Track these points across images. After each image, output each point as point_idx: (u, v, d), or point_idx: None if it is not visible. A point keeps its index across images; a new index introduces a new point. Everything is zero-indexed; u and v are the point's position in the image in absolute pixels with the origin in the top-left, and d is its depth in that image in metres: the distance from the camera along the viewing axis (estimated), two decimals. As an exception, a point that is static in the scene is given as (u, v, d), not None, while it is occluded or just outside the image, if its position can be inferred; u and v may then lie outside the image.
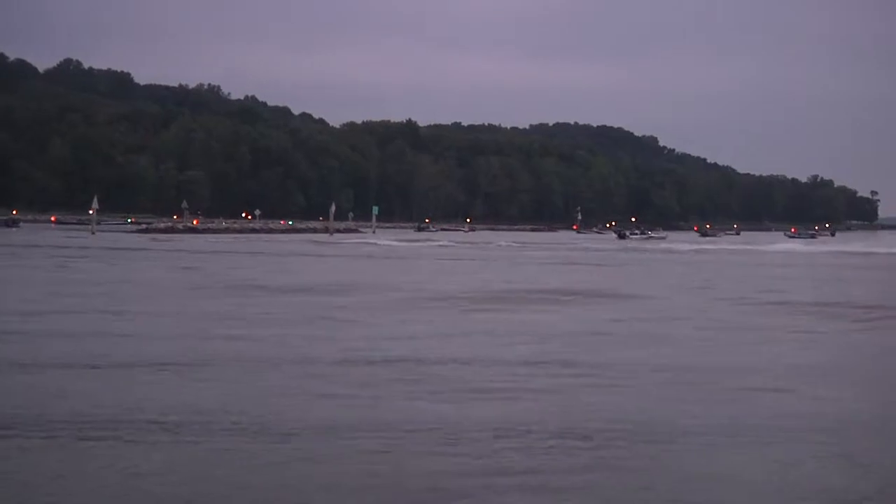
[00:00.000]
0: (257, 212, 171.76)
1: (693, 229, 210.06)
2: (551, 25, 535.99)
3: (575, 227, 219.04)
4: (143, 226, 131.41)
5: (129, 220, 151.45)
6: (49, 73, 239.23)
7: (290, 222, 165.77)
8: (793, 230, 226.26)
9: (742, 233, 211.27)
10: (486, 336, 22.20)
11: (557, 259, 70.15)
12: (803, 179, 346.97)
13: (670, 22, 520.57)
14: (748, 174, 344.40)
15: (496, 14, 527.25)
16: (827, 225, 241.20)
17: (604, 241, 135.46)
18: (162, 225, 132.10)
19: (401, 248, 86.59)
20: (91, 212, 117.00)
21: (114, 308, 26.43)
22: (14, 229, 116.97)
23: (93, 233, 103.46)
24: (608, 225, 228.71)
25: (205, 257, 60.36)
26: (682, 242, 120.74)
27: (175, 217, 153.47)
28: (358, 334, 21.98)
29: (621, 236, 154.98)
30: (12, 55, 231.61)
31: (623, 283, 42.88)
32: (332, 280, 40.93)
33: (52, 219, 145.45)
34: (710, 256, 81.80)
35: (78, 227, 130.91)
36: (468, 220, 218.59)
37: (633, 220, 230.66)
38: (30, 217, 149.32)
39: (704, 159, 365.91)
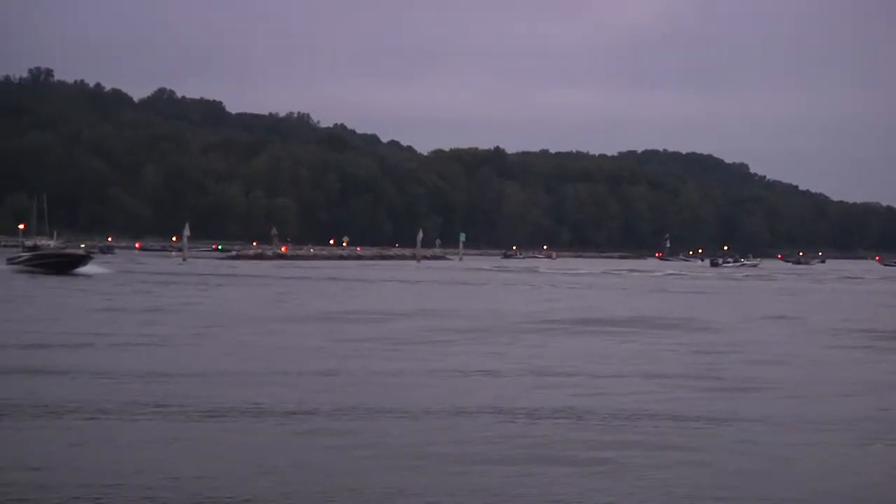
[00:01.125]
0: (345, 239, 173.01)
1: (777, 257, 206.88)
2: (641, 53, 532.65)
3: (658, 254, 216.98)
4: (233, 252, 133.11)
5: (219, 247, 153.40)
6: (143, 102, 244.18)
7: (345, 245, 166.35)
8: (877, 258, 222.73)
9: (828, 261, 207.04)
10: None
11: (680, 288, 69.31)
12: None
13: (762, 48, 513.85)
14: (841, 202, 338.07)
15: (586, 44, 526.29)
16: None
17: (694, 269, 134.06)
18: (251, 252, 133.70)
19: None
20: (181, 238, 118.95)
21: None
22: (110, 255, 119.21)
23: (184, 259, 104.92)
24: (690, 252, 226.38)
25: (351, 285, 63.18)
26: (780, 272, 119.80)
27: (254, 243, 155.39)
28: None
29: (714, 264, 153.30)
30: (108, 85, 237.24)
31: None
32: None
33: (137, 245, 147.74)
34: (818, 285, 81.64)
35: (160, 252, 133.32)
36: (545, 246, 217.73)
37: (726, 248, 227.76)
38: (123, 244, 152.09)
39: (796, 186, 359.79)
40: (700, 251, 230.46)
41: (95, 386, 18.45)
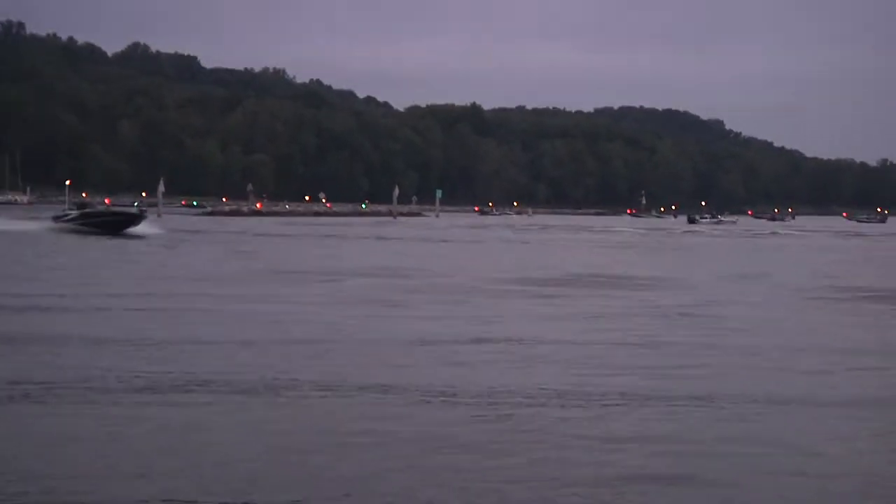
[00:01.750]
0: (322, 195, 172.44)
1: (748, 213, 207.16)
2: (618, 10, 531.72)
3: (630, 210, 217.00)
4: (209, 209, 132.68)
5: (194, 203, 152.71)
6: (117, 56, 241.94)
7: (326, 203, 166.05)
8: (844, 214, 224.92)
9: (798, 217, 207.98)
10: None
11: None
12: (873, 163, 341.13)
13: (739, 5, 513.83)
14: (815, 158, 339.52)
15: (562, 2, 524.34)
16: (884, 210, 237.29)
17: (666, 226, 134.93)
18: (227, 208, 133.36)
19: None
20: (157, 195, 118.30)
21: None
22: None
23: (159, 216, 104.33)
24: (662, 209, 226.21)
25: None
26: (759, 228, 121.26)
27: (224, 199, 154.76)
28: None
29: (691, 220, 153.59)
30: (81, 39, 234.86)
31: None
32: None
33: (107, 201, 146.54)
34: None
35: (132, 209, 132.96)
36: (515, 203, 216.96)
37: (703, 204, 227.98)
38: (98, 200, 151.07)
39: (771, 143, 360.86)
40: (673, 208, 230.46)
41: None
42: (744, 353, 19.00)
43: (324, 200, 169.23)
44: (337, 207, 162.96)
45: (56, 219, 64.96)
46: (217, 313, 23.00)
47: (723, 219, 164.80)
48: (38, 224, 64.59)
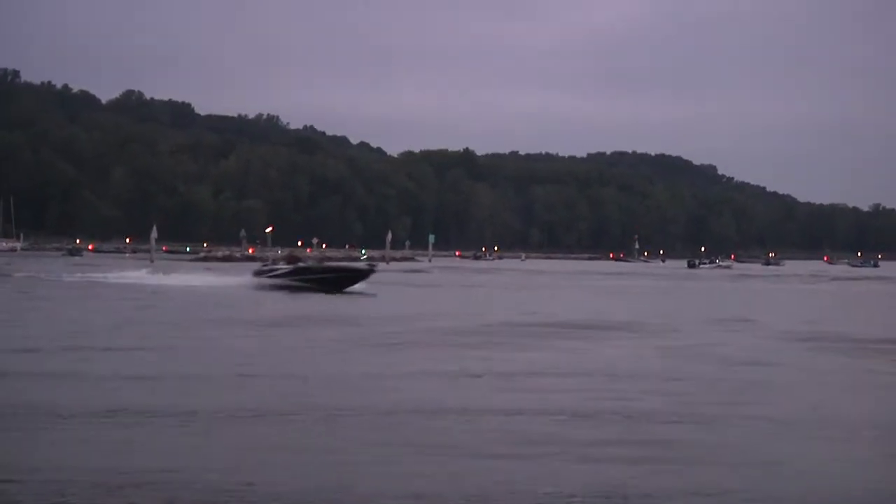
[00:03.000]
0: (315, 240, 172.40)
1: (730, 258, 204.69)
2: (609, 56, 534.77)
3: (612, 255, 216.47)
4: (202, 254, 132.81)
5: (187, 249, 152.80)
6: (112, 103, 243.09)
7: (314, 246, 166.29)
8: (825, 259, 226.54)
9: (786, 262, 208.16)
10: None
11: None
12: (865, 208, 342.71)
13: (730, 51, 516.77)
14: (808, 203, 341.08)
15: (553, 47, 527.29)
16: (879, 256, 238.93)
17: (663, 270, 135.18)
18: (220, 254, 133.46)
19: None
20: (150, 241, 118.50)
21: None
22: (77, 258, 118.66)
23: (152, 261, 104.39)
24: (646, 253, 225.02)
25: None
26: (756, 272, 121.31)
27: (205, 244, 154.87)
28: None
29: (691, 265, 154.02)
30: (76, 87, 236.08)
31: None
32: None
33: (90, 247, 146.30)
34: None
35: (115, 254, 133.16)
36: (496, 247, 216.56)
37: (703, 249, 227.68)
38: (105, 246, 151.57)
39: (764, 188, 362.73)
40: (661, 252, 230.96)
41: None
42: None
43: (318, 243, 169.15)
44: (330, 253, 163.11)
45: (259, 273, 57.05)
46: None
47: (720, 263, 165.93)
48: (236, 279, 57.85)
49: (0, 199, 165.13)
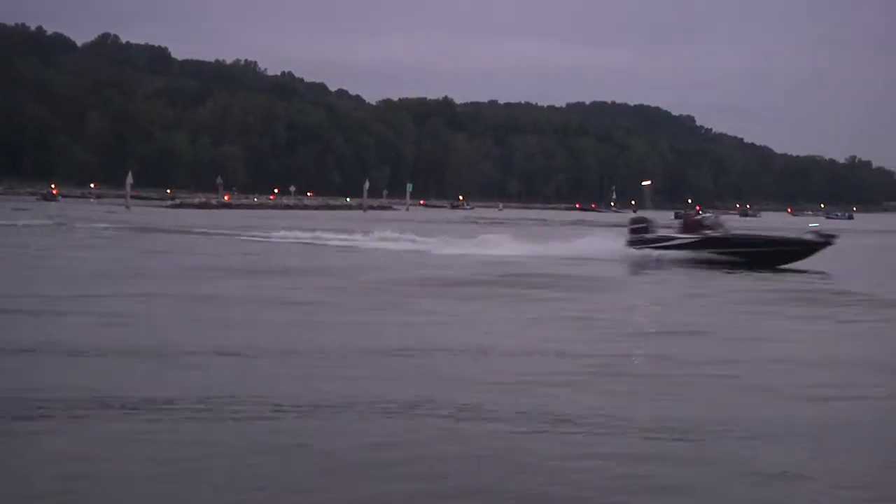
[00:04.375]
0: (292, 188, 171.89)
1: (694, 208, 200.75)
2: (588, 7, 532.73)
3: (578, 206, 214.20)
4: (178, 201, 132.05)
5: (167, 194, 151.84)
6: (87, 47, 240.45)
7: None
8: (789, 210, 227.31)
9: (763, 213, 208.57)
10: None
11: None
12: (841, 160, 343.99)
13: (710, 4, 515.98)
14: (785, 154, 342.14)
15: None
16: (854, 209, 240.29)
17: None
18: (196, 201, 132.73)
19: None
20: (125, 186, 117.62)
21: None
22: (54, 203, 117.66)
23: (128, 208, 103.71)
24: (612, 203, 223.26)
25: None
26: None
27: (168, 191, 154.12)
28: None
29: (679, 216, 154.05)
30: (50, 29, 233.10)
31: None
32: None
33: (54, 192, 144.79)
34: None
35: (80, 199, 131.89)
36: (460, 197, 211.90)
37: (689, 201, 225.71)
38: (64, 192, 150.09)
39: (741, 139, 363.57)
40: (632, 203, 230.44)
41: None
42: None
43: (295, 191, 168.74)
44: (307, 201, 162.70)
45: (638, 243, 42.00)
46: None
47: (706, 215, 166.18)
48: (594, 246, 42.50)
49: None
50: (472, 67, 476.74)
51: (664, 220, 54.65)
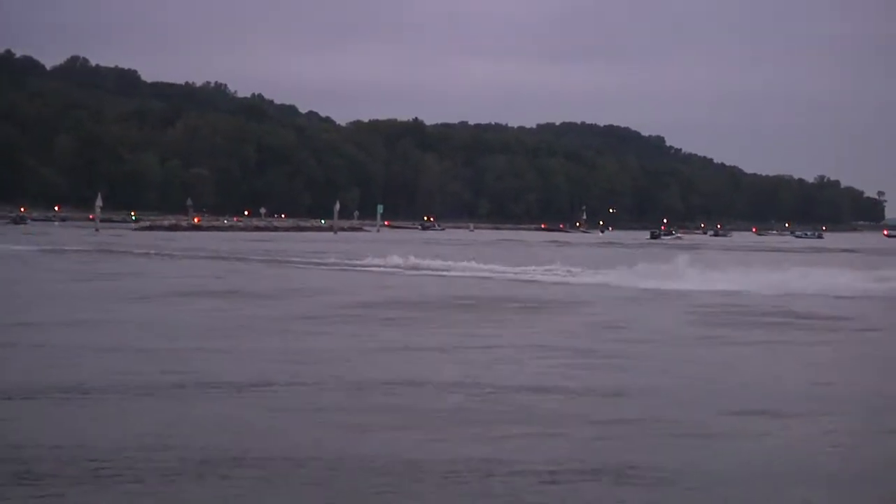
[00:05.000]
0: (262, 210, 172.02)
1: (661, 228, 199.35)
2: (558, 27, 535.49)
3: (544, 226, 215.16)
4: (147, 223, 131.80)
5: (133, 217, 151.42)
6: (56, 70, 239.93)
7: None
8: (754, 229, 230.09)
9: (733, 233, 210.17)
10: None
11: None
12: (810, 180, 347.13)
13: (677, 24, 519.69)
14: (755, 174, 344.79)
15: (503, 17, 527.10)
16: (824, 228, 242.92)
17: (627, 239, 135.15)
18: (166, 223, 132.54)
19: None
20: (95, 209, 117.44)
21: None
22: (22, 226, 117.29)
23: (97, 230, 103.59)
24: (577, 224, 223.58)
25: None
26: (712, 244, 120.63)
27: (89, 217, 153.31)
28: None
29: (655, 236, 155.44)
30: (19, 52, 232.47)
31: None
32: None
33: (22, 209, 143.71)
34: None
35: (44, 222, 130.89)
36: (428, 217, 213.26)
37: (666, 221, 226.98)
38: (35, 214, 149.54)
39: (711, 159, 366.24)
40: (600, 223, 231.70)
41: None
42: None
43: (265, 213, 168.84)
44: (278, 222, 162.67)
45: None
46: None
47: (678, 235, 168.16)
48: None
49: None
50: (442, 89, 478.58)
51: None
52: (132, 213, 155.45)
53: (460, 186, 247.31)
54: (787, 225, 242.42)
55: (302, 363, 16.32)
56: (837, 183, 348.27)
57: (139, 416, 12.04)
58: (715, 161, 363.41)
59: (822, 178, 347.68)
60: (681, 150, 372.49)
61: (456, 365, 16.54)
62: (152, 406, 12.66)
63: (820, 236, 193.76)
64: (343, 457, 10.24)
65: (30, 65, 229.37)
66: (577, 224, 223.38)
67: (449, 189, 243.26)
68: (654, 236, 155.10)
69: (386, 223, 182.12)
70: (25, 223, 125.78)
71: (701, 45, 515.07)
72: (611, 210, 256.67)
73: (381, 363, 16.65)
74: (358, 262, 49.76)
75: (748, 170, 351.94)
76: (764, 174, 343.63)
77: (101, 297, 28.20)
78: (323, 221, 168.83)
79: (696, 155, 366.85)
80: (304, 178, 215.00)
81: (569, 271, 44.79)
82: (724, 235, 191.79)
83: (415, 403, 13.21)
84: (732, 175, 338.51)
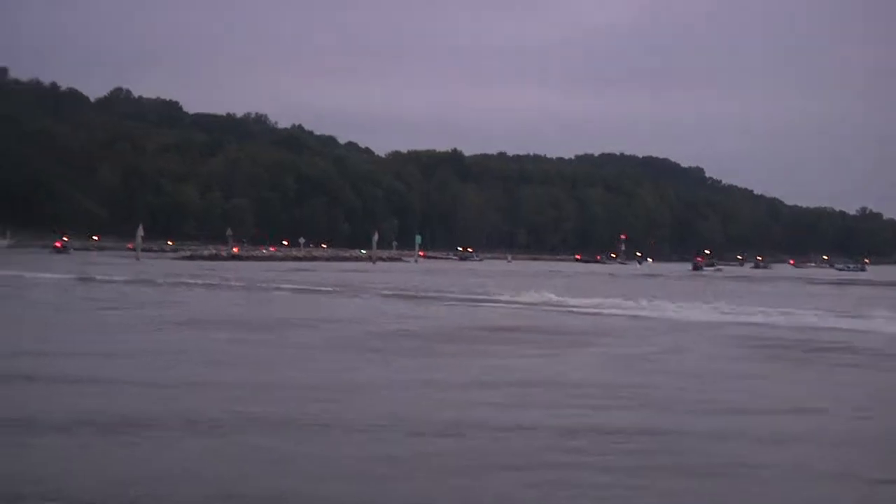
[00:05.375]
0: (301, 239, 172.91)
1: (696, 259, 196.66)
2: (599, 58, 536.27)
3: (578, 256, 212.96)
4: (188, 253, 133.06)
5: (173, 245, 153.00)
6: (100, 102, 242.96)
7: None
8: (791, 262, 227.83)
9: (773, 265, 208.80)
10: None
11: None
12: (851, 212, 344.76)
13: (718, 55, 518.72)
14: (795, 206, 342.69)
15: (544, 47, 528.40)
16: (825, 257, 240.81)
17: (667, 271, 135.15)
18: (206, 253, 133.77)
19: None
20: (136, 238, 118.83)
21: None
22: (65, 255, 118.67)
23: (137, 259, 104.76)
24: (613, 255, 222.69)
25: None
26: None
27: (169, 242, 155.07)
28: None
29: (696, 268, 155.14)
30: (64, 84, 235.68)
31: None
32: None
33: (57, 244, 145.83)
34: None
35: (81, 251, 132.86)
36: (466, 248, 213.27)
37: (708, 252, 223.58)
38: (78, 244, 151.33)
39: (751, 191, 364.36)
40: (638, 254, 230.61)
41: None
42: None
43: (304, 243, 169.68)
44: (317, 252, 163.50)
45: None
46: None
47: (720, 267, 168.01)
48: None
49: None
50: (481, 119, 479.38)
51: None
52: (169, 242, 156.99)
53: (498, 216, 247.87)
54: (824, 257, 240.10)
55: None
56: (880, 215, 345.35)
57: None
58: (755, 192, 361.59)
59: (864, 209, 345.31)
60: (720, 181, 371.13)
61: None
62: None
63: (863, 269, 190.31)
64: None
65: (74, 97, 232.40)
66: (613, 255, 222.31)
67: (487, 219, 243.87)
68: (696, 268, 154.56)
69: (421, 253, 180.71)
70: (68, 252, 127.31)
71: (740, 76, 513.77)
72: (650, 241, 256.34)
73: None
74: (499, 298, 45.75)
75: (788, 202, 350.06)
76: (804, 206, 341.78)
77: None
78: (363, 251, 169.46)
79: (735, 186, 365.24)
80: (343, 208, 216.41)
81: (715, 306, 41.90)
82: (764, 267, 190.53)
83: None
84: (773, 207, 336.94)
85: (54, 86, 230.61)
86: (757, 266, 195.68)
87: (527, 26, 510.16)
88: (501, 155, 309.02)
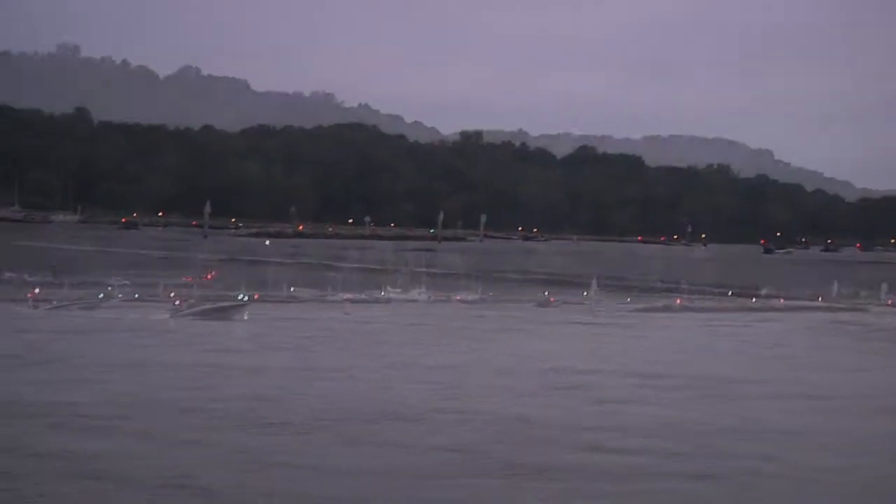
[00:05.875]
0: (367, 218, 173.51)
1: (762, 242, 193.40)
2: (667, 40, 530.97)
3: (640, 238, 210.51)
4: (254, 230, 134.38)
5: (238, 224, 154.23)
6: (169, 79, 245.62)
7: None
8: (858, 246, 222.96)
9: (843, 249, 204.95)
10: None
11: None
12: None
13: (790, 38, 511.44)
14: (865, 189, 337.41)
15: (612, 32, 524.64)
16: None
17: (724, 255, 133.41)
18: (271, 230, 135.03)
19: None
20: (204, 216, 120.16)
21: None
22: (134, 231, 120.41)
23: (205, 237, 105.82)
24: (675, 237, 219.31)
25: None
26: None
27: (194, 222, 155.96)
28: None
29: (768, 251, 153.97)
30: (135, 62, 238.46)
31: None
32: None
33: (123, 220, 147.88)
34: None
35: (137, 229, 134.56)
36: (535, 230, 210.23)
37: (778, 234, 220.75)
38: (146, 220, 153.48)
39: (821, 174, 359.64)
40: (702, 237, 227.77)
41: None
42: None
43: (369, 222, 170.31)
44: (381, 231, 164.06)
45: None
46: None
47: (791, 251, 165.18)
48: None
49: (55, 174, 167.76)
50: (548, 100, 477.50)
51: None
52: (233, 220, 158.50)
53: (562, 197, 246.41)
54: (892, 241, 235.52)
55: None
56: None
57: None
58: (825, 175, 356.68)
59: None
60: (790, 164, 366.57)
61: None
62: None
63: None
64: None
65: (144, 74, 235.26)
66: (676, 237, 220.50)
67: (550, 200, 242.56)
68: (767, 251, 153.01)
69: (535, 230, 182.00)
70: (138, 228, 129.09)
71: (813, 58, 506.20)
72: (714, 223, 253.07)
73: None
74: None
75: (858, 185, 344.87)
76: (874, 189, 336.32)
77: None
78: (432, 231, 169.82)
79: (804, 169, 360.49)
80: (406, 186, 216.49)
81: None
82: (833, 251, 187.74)
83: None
84: (842, 190, 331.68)
85: (125, 63, 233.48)
86: (826, 249, 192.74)
87: (595, 12, 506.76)
88: (566, 135, 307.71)
